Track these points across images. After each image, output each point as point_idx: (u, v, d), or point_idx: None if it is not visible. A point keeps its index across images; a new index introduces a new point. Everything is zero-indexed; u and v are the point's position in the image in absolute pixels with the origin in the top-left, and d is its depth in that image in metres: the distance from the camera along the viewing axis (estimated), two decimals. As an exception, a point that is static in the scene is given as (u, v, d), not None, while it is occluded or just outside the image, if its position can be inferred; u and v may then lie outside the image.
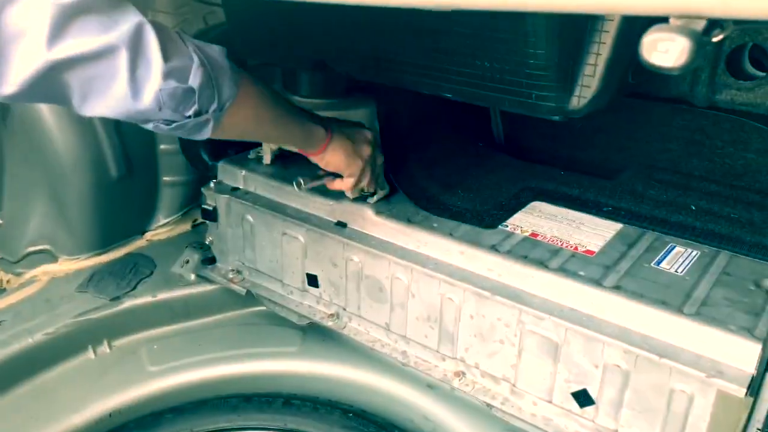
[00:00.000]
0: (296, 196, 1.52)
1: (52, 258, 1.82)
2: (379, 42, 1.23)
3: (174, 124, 0.92)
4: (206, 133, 0.97)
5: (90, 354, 1.61)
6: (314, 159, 1.29)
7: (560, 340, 1.17)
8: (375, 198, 1.43)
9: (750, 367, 1.02)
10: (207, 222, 1.73)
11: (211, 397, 1.53)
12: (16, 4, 0.74)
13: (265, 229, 1.57)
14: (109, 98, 0.84)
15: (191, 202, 2.01)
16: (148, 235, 1.96)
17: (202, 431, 1.43)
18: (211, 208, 1.67)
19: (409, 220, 1.38)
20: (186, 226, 2.01)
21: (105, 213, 1.81)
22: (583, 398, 1.18)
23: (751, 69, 1.38)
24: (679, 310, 1.11)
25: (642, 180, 1.50)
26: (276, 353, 1.62)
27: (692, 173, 1.53)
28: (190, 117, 0.91)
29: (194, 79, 0.89)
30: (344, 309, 1.50)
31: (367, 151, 1.32)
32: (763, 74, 1.35)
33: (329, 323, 1.51)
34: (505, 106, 1.11)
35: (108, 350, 1.63)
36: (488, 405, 1.29)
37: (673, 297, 1.14)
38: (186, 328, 1.72)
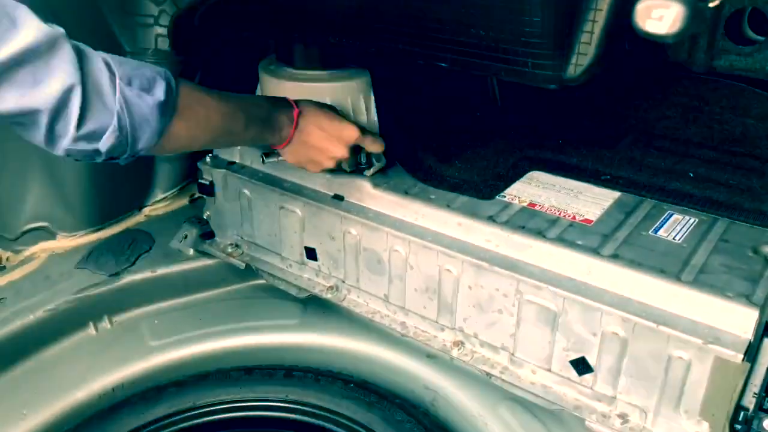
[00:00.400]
0: (293, 170, 1.51)
1: (51, 235, 1.82)
2: (373, 11, 1.21)
3: (87, 157, 0.96)
4: (123, 162, 1.01)
5: (91, 330, 1.61)
6: (279, 149, 1.29)
7: (558, 309, 1.18)
8: (372, 170, 1.42)
9: (747, 333, 1.02)
10: (204, 197, 1.73)
11: (212, 370, 1.54)
12: None
13: (262, 203, 1.57)
14: (27, 136, 0.91)
15: (188, 176, 2.00)
16: (146, 211, 1.96)
17: (204, 404, 1.44)
18: (207, 183, 1.66)
19: (406, 192, 1.38)
20: (183, 201, 2.01)
21: (102, 189, 1.80)
22: (581, 366, 1.19)
23: (750, 33, 1.36)
24: (676, 277, 1.11)
25: (640, 148, 1.50)
26: (276, 326, 1.63)
27: (690, 140, 1.53)
28: (99, 161, 0.97)
29: (104, 143, 0.92)
30: (343, 281, 1.50)
31: (351, 132, 1.29)
32: (763, 38, 1.33)
33: (328, 295, 1.52)
34: (501, 76, 1.10)
35: (109, 326, 1.64)
36: (487, 374, 1.30)
37: (670, 264, 1.14)
38: (186, 302, 1.72)
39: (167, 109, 0.98)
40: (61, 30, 0.86)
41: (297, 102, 1.27)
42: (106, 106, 0.90)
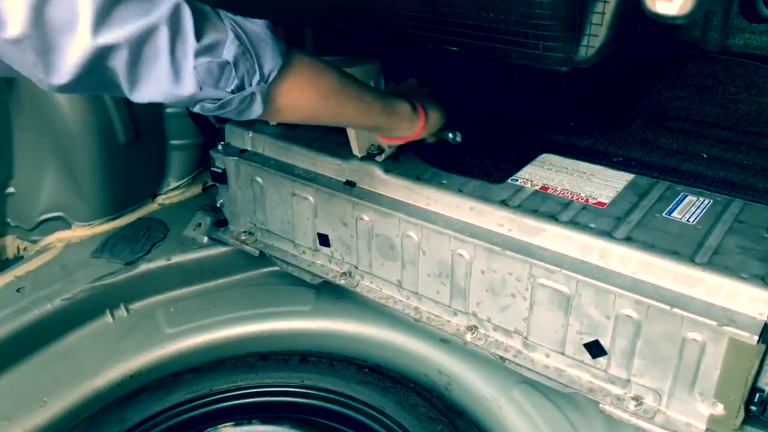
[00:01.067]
0: (304, 156, 1.51)
1: (66, 225, 1.84)
2: (382, -4, 1.21)
3: (219, 102, 0.92)
4: (256, 110, 0.96)
5: (108, 318, 1.63)
6: (418, 136, 1.30)
7: (571, 292, 1.17)
8: (383, 156, 1.42)
9: (763, 314, 1.02)
10: (217, 185, 1.73)
11: (228, 356, 1.55)
12: None
13: (274, 190, 1.58)
14: (155, 82, 0.86)
15: (201, 164, 2.01)
16: (160, 199, 1.97)
17: (221, 390, 1.46)
18: (220, 171, 1.67)
19: (417, 178, 1.38)
20: (197, 189, 2.02)
21: (115, 178, 1.82)
22: (595, 349, 1.19)
23: (765, 11, 1.34)
24: (690, 259, 1.10)
25: (653, 129, 1.49)
26: (291, 312, 1.64)
27: (704, 120, 1.51)
28: (233, 92, 0.91)
29: (228, 52, 0.88)
30: (356, 267, 1.51)
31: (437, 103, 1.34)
32: (778, 16, 1.32)
33: (341, 282, 1.52)
34: (511, 58, 1.09)
35: (125, 314, 1.65)
36: (501, 358, 1.31)
37: (684, 246, 1.14)
38: (201, 289, 1.74)
39: (278, 36, 0.96)
40: None
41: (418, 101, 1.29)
42: (215, 23, 0.89)
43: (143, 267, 1.69)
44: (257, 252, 1.67)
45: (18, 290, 1.60)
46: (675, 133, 1.46)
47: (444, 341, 1.48)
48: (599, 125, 1.54)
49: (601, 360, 1.19)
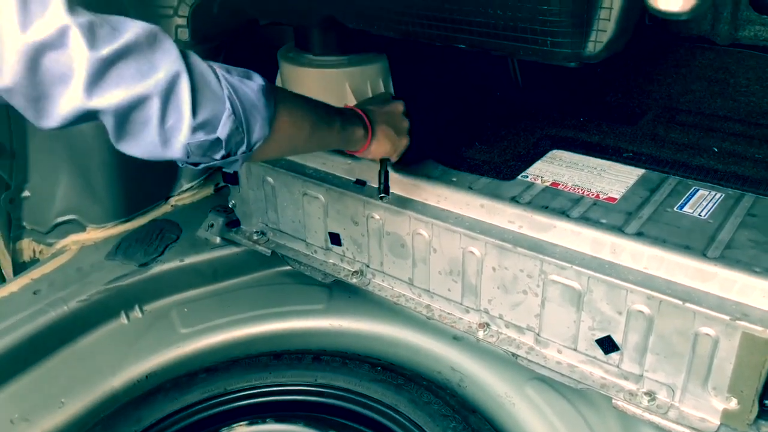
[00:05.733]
0: (313, 156, 1.52)
1: (81, 227, 1.86)
2: (389, -5, 1.21)
3: (202, 165, 0.94)
4: (235, 168, 1.00)
5: (123, 319, 1.65)
6: (359, 155, 1.29)
7: (583, 288, 1.17)
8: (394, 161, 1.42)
9: (775, 308, 1.01)
10: (229, 185, 1.75)
11: (242, 355, 1.57)
12: (58, 50, 0.77)
13: (285, 190, 1.58)
14: (140, 142, 0.87)
15: (213, 166, 2.02)
16: (173, 201, 1.98)
17: (235, 389, 1.47)
18: (231, 172, 1.68)
19: (427, 176, 1.38)
20: (209, 190, 2.03)
21: (128, 181, 1.83)
22: (607, 345, 1.19)
23: (775, 2, 1.33)
24: (702, 254, 1.10)
25: (663, 123, 1.48)
26: (304, 311, 1.64)
27: (715, 114, 1.50)
28: (217, 160, 0.93)
29: (223, 130, 0.90)
30: (368, 266, 1.51)
31: (406, 125, 1.32)
32: (789, 7, 1.30)
33: (353, 280, 1.53)
34: (519, 55, 1.09)
35: (140, 315, 1.67)
36: (513, 355, 1.31)
37: (696, 241, 1.13)
38: (214, 290, 1.75)
39: (270, 95, 0.97)
40: (160, 28, 0.85)
41: (364, 111, 1.26)
42: (215, 92, 0.89)
43: (157, 268, 1.70)
44: (269, 252, 1.68)
45: (34, 293, 1.62)
46: (686, 127, 1.46)
47: (456, 339, 1.48)
48: (609, 120, 1.53)
49: (614, 356, 1.19)
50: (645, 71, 1.57)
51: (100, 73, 0.79)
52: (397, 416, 1.37)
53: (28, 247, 1.89)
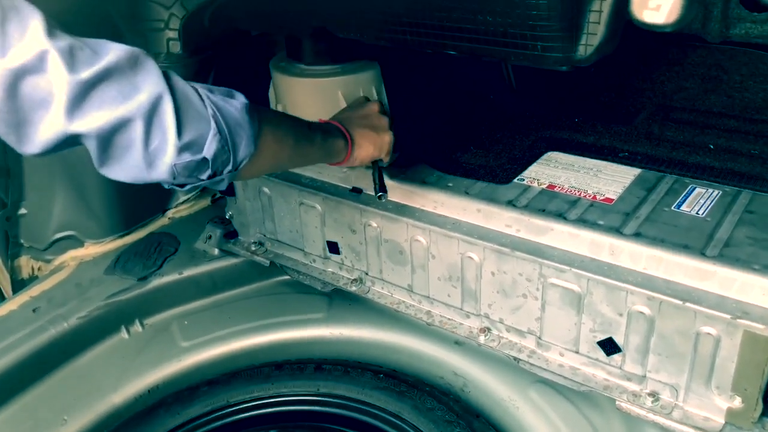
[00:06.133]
0: (310, 166, 1.52)
1: (79, 243, 1.85)
2: (379, 3, 1.21)
3: (188, 186, 0.93)
4: (220, 188, 0.99)
5: (123, 334, 1.64)
6: (343, 166, 1.28)
7: (583, 290, 1.17)
8: (387, 161, 1.42)
9: (776, 305, 1.01)
10: (225, 197, 1.74)
11: (244, 367, 1.56)
12: (37, 75, 0.76)
13: (282, 200, 1.58)
14: (124, 165, 0.86)
15: (209, 177, 2.01)
16: (170, 213, 1.98)
17: (238, 401, 1.46)
18: (218, 190, 1.67)
19: (423, 182, 1.38)
20: (206, 202, 2.03)
21: (125, 195, 1.82)
22: (609, 346, 1.19)
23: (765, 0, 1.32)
24: (701, 252, 1.10)
25: (658, 121, 1.48)
26: (304, 320, 1.64)
27: (710, 110, 1.50)
28: (204, 180, 0.93)
29: (209, 150, 0.89)
30: (366, 273, 1.51)
31: (384, 122, 1.30)
32: (779, 3, 1.30)
33: (353, 288, 1.53)
34: (511, 60, 1.09)
35: (140, 329, 1.67)
36: (515, 359, 1.31)
37: (695, 240, 1.13)
38: (214, 301, 1.74)
39: (254, 113, 0.96)
40: (142, 50, 0.84)
41: (340, 121, 1.25)
42: (199, 112, 0.88)
43: (156, 282, 1.70)
44: (268, 262, 1.68)
45: (34, 310, 1.61)
46: (681, 125, 1.45)
47: (458, 343, 1.48)
48: (604, 120, 1.53)
49: (616, 357, 1.19)
50: (638, 70, 1.57)
51: (80, 97, 0.78)
52: (401, 423, 1.37)
53: (26, 264, 1.89)
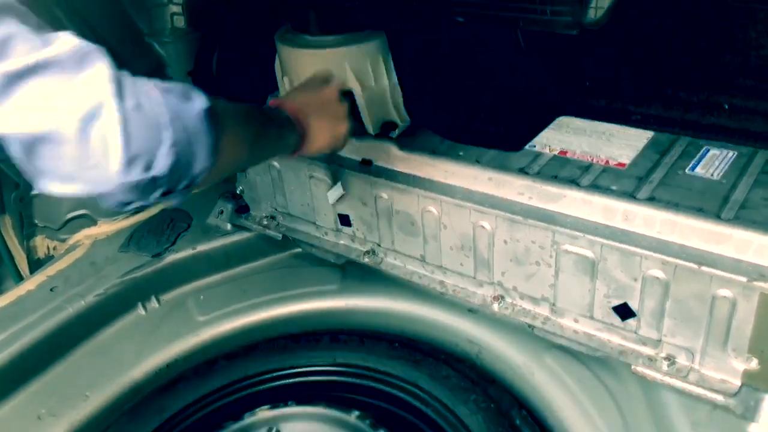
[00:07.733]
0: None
1: (92, 222, 1.87)
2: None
3: (133, 206, 0.82)
4: (175, 205, 0.91)
5: (140, 310, 1.66)
6: (297, 156, 1.20)
7: (597, 257, 1.16)
8: (397, 132, 1.41)
9: (793, 267, 1.00)
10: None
11: (260, 340, 1.58)
12: None
13: (292, 174, 1.58)
14: (56, 180, 0.75)
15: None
16: (181, 189, 1.98)
17: (255, 374, 1.48)
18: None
19: (433, 152, 1.37)
20: (216, 176, 2.03)
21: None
22: (624, 312, 1.18)
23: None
24: (716, 215, 1.09)
25: (671, 82, 1.44)
26: (318, 292, 1.65)
27: (725, 69, 1.46)
28: (154, 199, 0.82)
29: (163, 164, 0.77)
30: (379, 245, 1.51)
31: (342, 111, 1.22)
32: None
33: (365, 260, 1.53)
34: (520, 25, 1.07)
35: (157, 305, 1.68)
36: (530, 326, 1.31)
37: (709, 203, 1.12)
38: (228, 276, 1.76)
39: (213, 118, 0.84)
40: (99, 47, 0.74)
41: (294, 109, 1.15)
42: (152, 121, 0.76)
43: (170, 258, 1.71)
44: (280, 236, 1.68)
45: (51, 290, 1.63)
46: (694, 85, 1.42)
47: (472, 311, 1.48)
48: (615, 83, 1.50)
49: (631, 322, 1.19)
50: (649, 29, 1.53)
51: (6, 92, 0.68)
52: (418, 391, 1.38)
53: (41, 244, 1.91)
